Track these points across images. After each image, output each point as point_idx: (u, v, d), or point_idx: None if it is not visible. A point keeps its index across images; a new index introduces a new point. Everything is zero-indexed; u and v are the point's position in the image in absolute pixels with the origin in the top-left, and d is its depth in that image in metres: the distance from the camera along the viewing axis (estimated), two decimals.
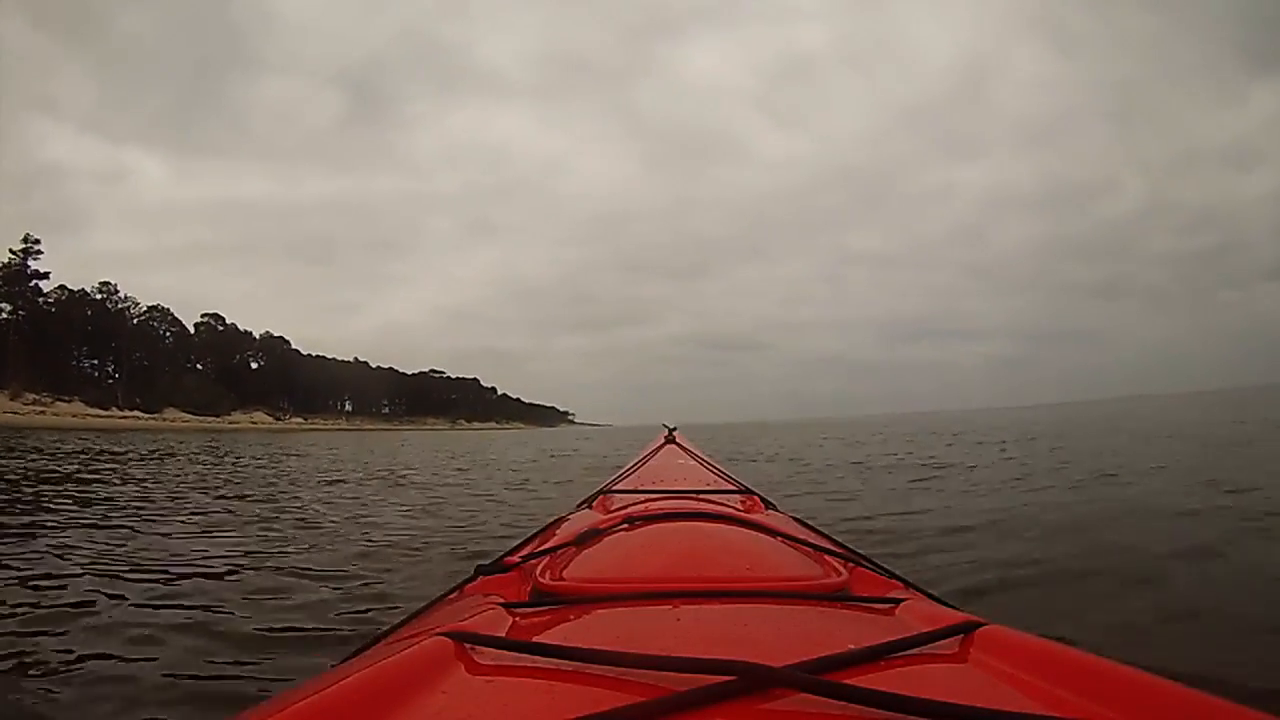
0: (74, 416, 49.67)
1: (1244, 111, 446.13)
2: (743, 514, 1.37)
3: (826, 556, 1.07)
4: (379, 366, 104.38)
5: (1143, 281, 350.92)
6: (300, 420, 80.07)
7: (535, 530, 1.52)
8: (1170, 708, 0.49)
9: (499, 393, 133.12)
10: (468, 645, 0.60)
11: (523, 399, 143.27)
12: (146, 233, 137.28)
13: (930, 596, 1.02)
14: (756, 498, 1.84)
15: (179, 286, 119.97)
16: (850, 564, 1.10)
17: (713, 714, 0.47)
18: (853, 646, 0.57)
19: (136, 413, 60.00)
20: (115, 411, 58.35)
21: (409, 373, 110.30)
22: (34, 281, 59.16)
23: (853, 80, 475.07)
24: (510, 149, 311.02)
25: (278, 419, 77.20)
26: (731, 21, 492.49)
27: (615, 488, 2.05)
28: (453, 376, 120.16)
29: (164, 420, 59.26)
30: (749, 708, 0.48)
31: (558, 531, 1.41)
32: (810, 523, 1.62)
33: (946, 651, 0.62)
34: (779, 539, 1.11)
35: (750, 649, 0.58)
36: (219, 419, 66.37)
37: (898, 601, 0.82)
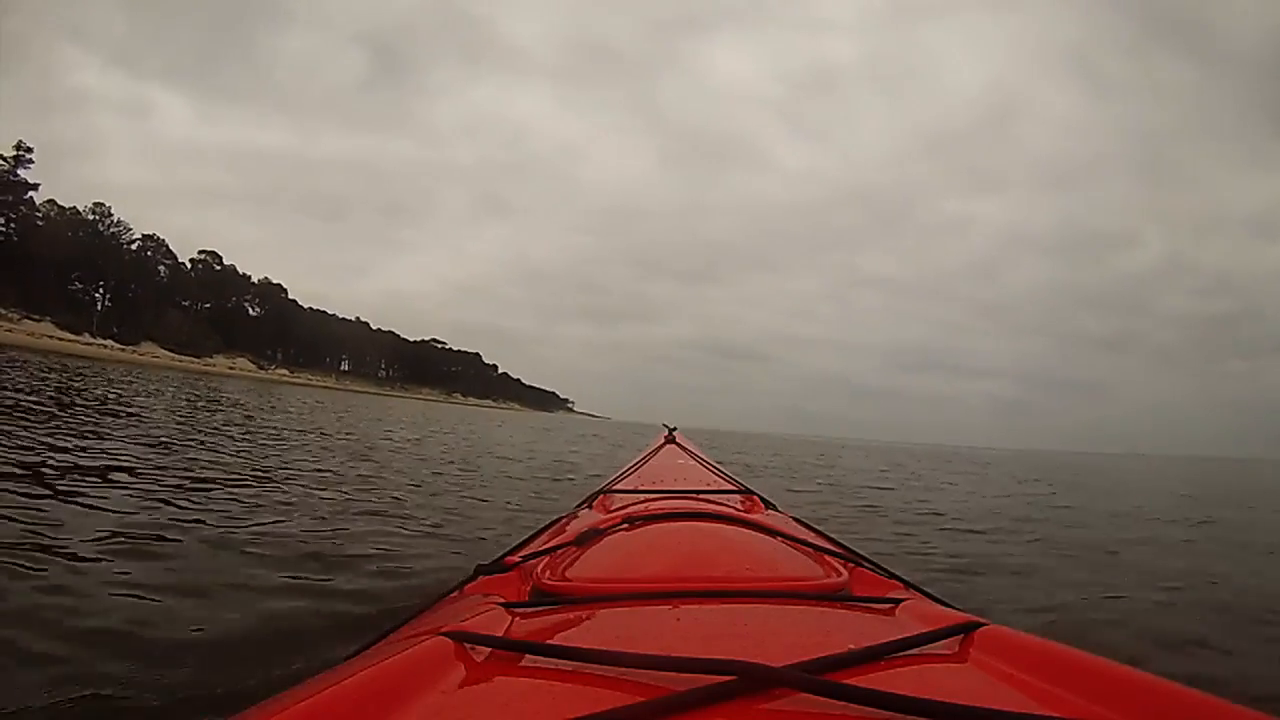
0: (30, 336, 46.79)
1: (1273, 179, 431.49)
2: (743, 514, 1.37)
3: (827, 557, 1.08)
4: (380, 329, 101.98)
5: (1152, 340, 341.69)
6: (286, 373, 77.25)
7: (535, 530, 1.50)
8: (1170, 708, 0.49)
9: (499, 371, 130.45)
10: (468, 645, 0.59)
11: (523, 380, 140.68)
12: (161, 169, 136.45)
13: (930, 596, 1.01)
14: (757, 498, 1.82)
15: (187, 225, 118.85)
16: (850, 564, 1.11)
17: (713, 714, 0.47)
18: (853, 646, 0.57)
19: (110, 342, 57.33)
20: (86, 338, 55.64)
21: (411, 339, 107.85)
22: (28, 194, 56.69)
23: (878, 100, 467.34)
24: (529, 129, 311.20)
25: (262, 368, 74.47)
26: (762, 25, 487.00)
27: (615, 487, 2.03)
28: (454, 349, 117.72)
29: (136, 354, 56.51)
30: (749, 708, 0.48)
31: (558, 531, 1.42)
32: (810, 523, 1.61)
33: (946, 651, 0.62)
34: (779, 539, 1.12)
35: (750, 649, 0.58)
36: (198, 360, 63.64)
37: (898, 601, 0.82)
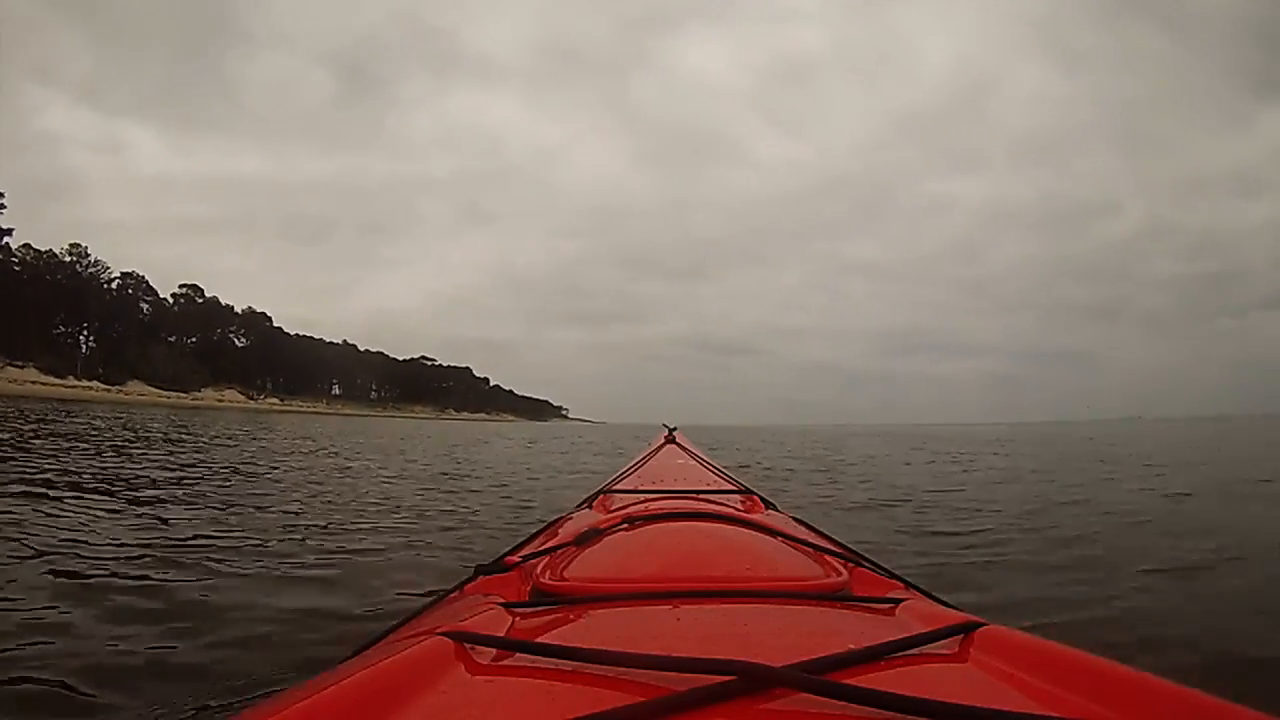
0: (13, 383, 46.28)
1: (1250, 137, 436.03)
2: (743, 514, 1.37)
3: (827, 556, 1.08)
4: (368, 350, 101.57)
5: (1141, 305, 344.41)
6: (276, 401, 76.78)
7: (535, 530, 1.50)
8: (1170, 708, 0.48)
9: (491, 384, 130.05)
10: (468, 645, 0.59)
11: (515, 391, 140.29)
12: (138, 204, 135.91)
13: (930, 596, 1.01)
14: (757, 498, 1.82)
15: (168, 259, 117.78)
16: (850, 564, 1.11)
17: (713, 714, 0.47)
18: (853, 646, 0.57)
19: (95, 383, 56.75)
20: (71, 381, 55.09)
21: (400, 359, 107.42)
22: (3, 240, 56.07)
23: (852, 86, 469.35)
24: (504, 136, 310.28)
25: (251, 399, 73.99)
26: (729, 18, 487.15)
27: (615, 487, 2.03)
28: (444, 365, 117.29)
29: (122, 393, 55.97)
30: (749, 708, 0.48)
31: (558, 531, 1.42)
32: (810, 523, 1.60)
33: (946, 651, 0.62)
34: (779, 539, 1.11)
35: (750, 649, 0.58)
36: (186, 395, 63.21)
37: (898, 601, 0.82)
